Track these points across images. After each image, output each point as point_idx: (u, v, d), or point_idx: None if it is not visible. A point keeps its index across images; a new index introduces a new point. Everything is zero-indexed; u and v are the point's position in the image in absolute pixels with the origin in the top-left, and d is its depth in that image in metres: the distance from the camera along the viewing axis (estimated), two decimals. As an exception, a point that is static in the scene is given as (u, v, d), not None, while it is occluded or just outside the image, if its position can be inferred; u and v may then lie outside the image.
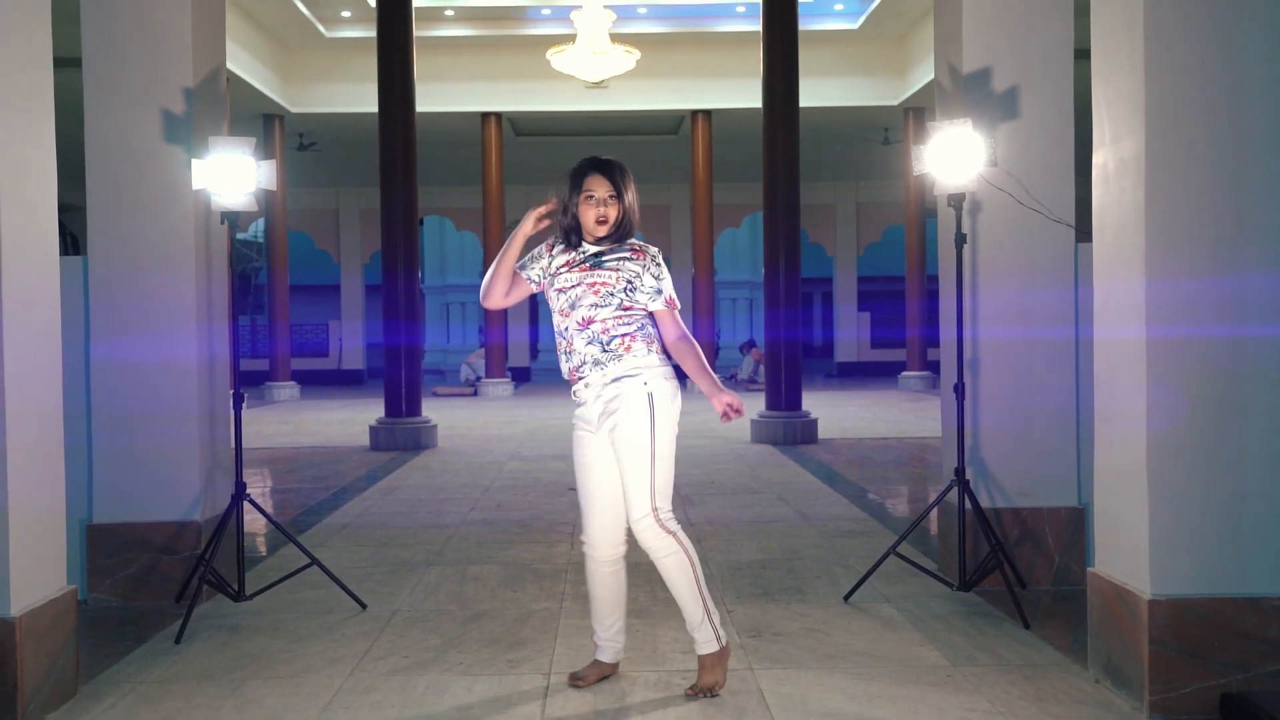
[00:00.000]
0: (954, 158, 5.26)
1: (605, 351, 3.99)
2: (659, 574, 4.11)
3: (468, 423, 15.68)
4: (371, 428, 13.08)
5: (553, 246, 4.11)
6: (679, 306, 4.15)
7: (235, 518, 5.49)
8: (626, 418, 3.96)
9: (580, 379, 4.03)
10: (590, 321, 3.99)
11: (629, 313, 4.01)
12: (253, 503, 5.55)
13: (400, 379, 12.98)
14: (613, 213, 4.00)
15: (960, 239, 5.44)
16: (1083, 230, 5.23)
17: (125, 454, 5.69)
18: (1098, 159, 4.38)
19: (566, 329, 4.03)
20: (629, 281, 4.01)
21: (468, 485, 9.69)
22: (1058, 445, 5.78)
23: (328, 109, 20.20)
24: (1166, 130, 4.00)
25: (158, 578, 5.67)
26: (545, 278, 4.11)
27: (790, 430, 12.79)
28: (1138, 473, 4.06)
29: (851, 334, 28.84)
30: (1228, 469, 4.01)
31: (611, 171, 4.03)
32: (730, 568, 6.26)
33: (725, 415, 4.03)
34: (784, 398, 13.00)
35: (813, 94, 17.08)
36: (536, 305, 33.27)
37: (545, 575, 6.16)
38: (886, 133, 22.52)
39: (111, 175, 5.73)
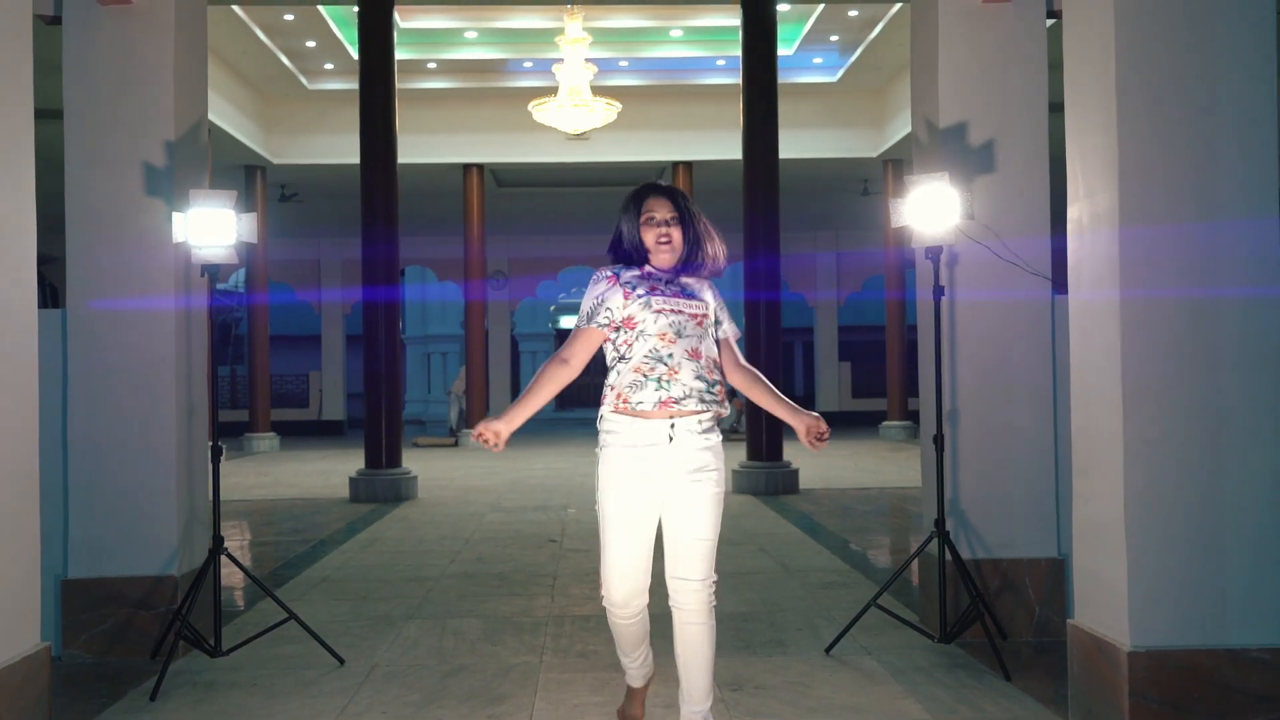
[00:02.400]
0: (931, 211, 5.31)
1: (709, 392, 3.68)
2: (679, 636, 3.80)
3: (448, 474, 15.62)
4: (351, 479, 13.00)
5: (616, 277, 3.76)
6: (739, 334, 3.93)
7: (212, 572, 5.45)
8: (715, 476, 3.70)
9: (675, 415, 3.64)
10: (699, 354, 3.67)
11: (714, 349, 3.76)
12: (230, 556, 5.52)
13: (380, 430, 12.90)
14: (676, 233, 3.74)
15: (938, 291, 5.48)
16: (1060, 282, 5.28)
17: (101, 508, 5.65)
18: (1072, 213, 4.43)
19: (671, 355, 3.63)
20: (715, 314, 3.80)
21: (448, 537, 9.64)
22: (1037, 496, 5.79)
23: (310, 160, 20.25)
24: (1139, 184, 4.05)
25: (133, 633, 5.62)
26: (621, 306, 3.71)
27: (772, 480, 12.78)
28: (1116, 525, 4.07)
29: (832, 384, 28.88)
30: (1206, 521, 4.02)
31: (674, 194, 3.80)
32: (711, 620, 6.23)
33: (814, 442, 3.75)
34: (765, 448, 12.99)
35: (793, 146, 17.22)
36: (517, 355, 33.28)
37: (525, 629, 6.12)
38: (866, 184, 22.69)
39: (91, 228, 5.73)
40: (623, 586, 3.73)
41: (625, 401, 3.65)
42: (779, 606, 6.61)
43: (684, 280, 3.78)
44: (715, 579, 3.73)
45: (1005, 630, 5.64)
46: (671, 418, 3.64)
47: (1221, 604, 4.02)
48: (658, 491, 3.67)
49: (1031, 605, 5.74)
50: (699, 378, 3.65)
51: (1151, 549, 4.02)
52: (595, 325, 3.73)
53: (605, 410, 3.73)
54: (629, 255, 3.80)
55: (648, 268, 3.78)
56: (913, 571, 6.94)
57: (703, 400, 3.65)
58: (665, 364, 3.63)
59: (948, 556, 5.47)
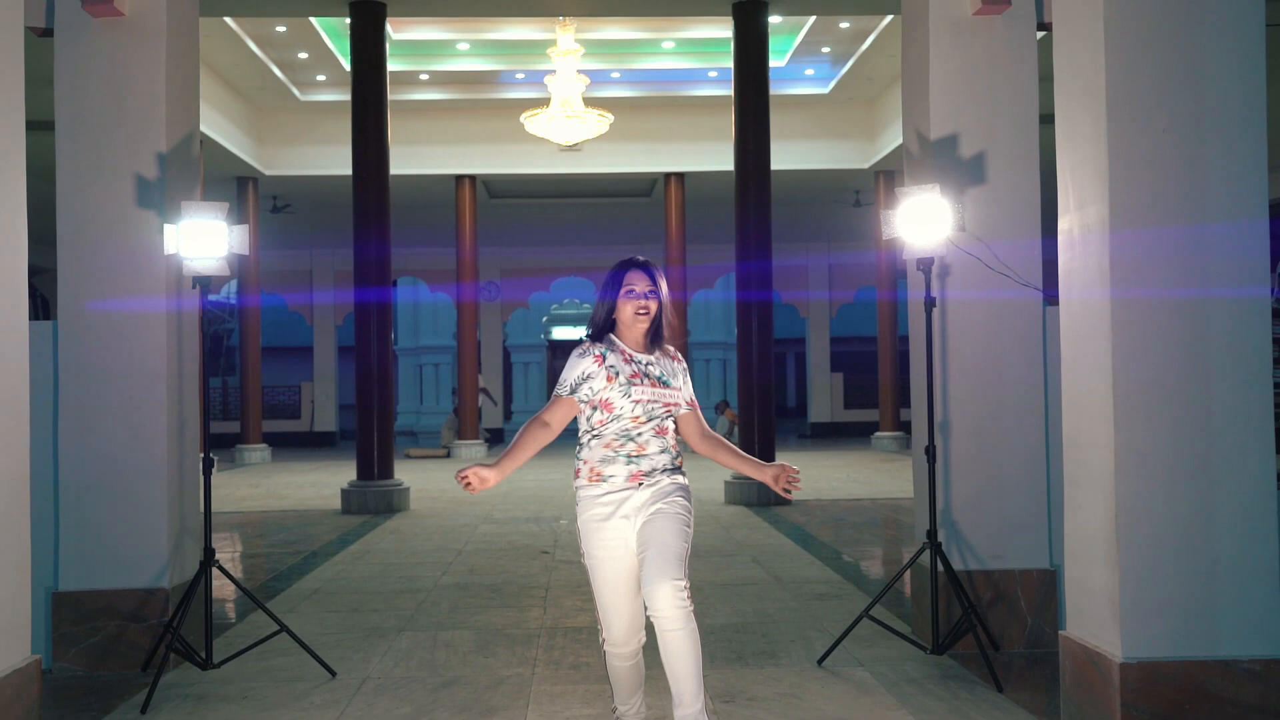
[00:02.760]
0: (923, 222, 5.32)
1: (672, 464, 4.07)
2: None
3: (440, 485, 15.60)
4: (343, 490, 12.98)
5: (603, 359, 4.06)
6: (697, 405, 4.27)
7: (204, 584, 5.44)
8: (674, 498, 4.03)
9: (643, 483, 4.02)
10: (665, 432, 4.08)
11: (673, 425, 4.13)
12: (221, 569, 5.50)
13: (372, 441, 12.88)
14: (653, 306, 4.07)
15: (930, 302, 5.49)
16: (1051, 293, 5.29)
17: (92, 520, 5.63)
18: (1063, 225, 4.44)
19: (640, 434, 4.03)
20: (681, 396, 4.15)
21: (440, 549, 9.62)
22: (1029, 507, 5.79)
23: (302, 171, 20.23)
24: (1130, 196, 4.07)
25: (124, 646, 5.60)
26: (603, 389, 4.03)
27: (764, 491, 12.76)
28: (1107, 535, 4.08)
29: (825, 394, 28.90)
30: (1198, 532, 4.03)
31: (650, 269, 4.13)
32: (704, 631, 6.21)
33: (785, 488, 4.15)
34: (758, 459, 12.95)
35: (784, 157, 17.25)
36: (510, 366, 33.26)
37: (518, 640, 6.11)
38: (858, 195, 22.72)
39: (83, 239, 5.73)
40: (620, 624, 4.00)
41: (598, 475, 4.03)
42: (771, 618, 6.60)
43: (660, 366, 4.12)
44: (686, 584, 3.88)
45: (997, 641, 5.65)
46: (643, 483, 4.02)
47: (1213, 615, 4.03)
48: (632, 528, 3.99)
49: (1023, 616, 5.75)
50: (664, 452, 4.06)
51: (1143, 560, 4.02)
52: (578, 399, 4.08)
53: (581, 481, 4.08)
54: (606, 325, 4.13)
55: (627, 350, 4.10)
56: (905, 582, 6.94)
57: (664, 471, 4.05)
58: (635, 441, 4.04)
59: (940, 567, 5.48)
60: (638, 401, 4.02)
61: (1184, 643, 4.01)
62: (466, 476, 3.90)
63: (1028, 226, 5.87)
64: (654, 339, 4.14)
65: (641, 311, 4.05)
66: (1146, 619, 4.01)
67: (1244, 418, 4.05)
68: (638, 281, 4.08)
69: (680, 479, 4.09)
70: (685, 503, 4.05)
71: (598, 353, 4.07)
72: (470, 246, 20.65)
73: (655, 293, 4.08)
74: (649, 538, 3.93)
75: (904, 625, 6.24)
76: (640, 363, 4.08)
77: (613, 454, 4.02)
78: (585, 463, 4.06)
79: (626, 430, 4.02)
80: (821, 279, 28.99)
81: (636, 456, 4.01)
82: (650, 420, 4.04)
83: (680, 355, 4.24)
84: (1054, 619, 5.70)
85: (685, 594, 3.84)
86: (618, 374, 4.03)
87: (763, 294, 13.02)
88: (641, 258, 4.16)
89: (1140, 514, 4.03)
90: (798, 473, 4.15)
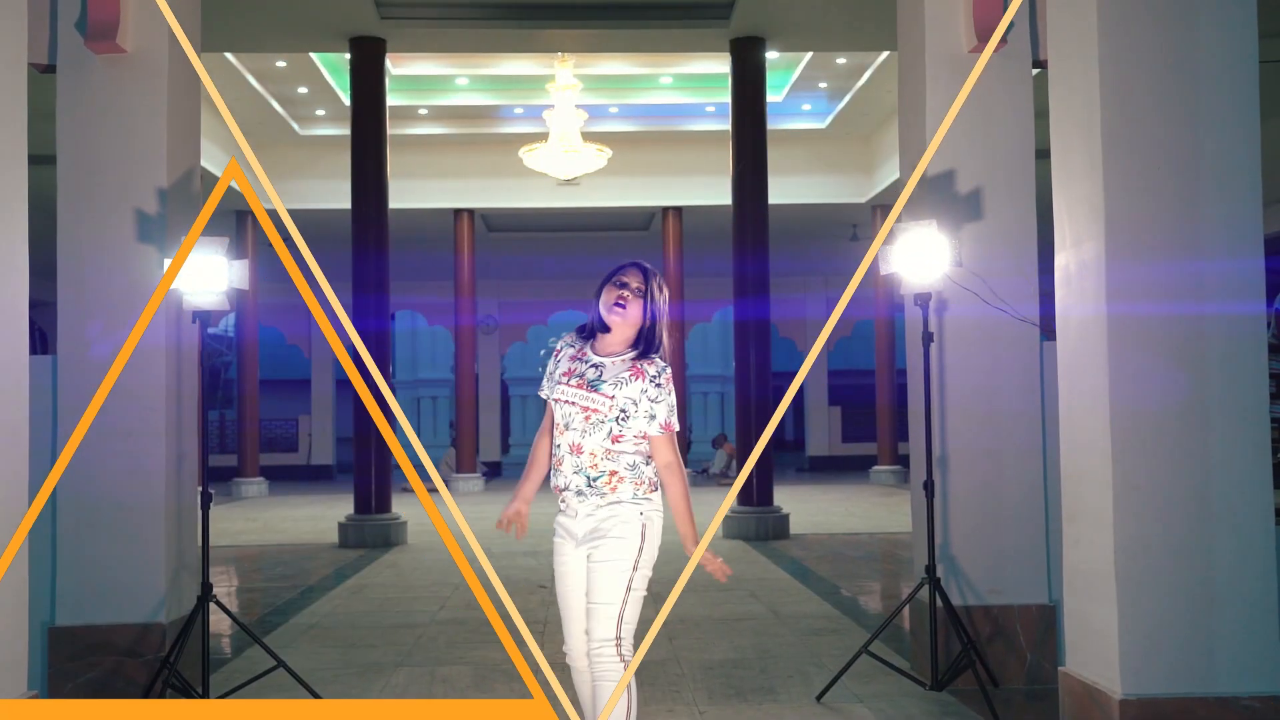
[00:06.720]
0: (920, 258, 5.34)
1: (590, 486, 3.72)
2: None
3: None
4: (340, 524, 12.93)
5: (560, 350, 3.88)
6: (676, 430, 3.78)
7: (201, 619, 5.42)
8: (612, 542, 3.70)
9: (563, 497, 3.80)
10: (580, 450, 3.72)
11: (618, 444, 3.71)
12: (218, 604, 5.48)
13: (370, 475, 12.85)
14: (634, 307, 3.77)
15: (927, 337, 5.51)
16: (1048, 328, 5.31)
17: (90, 555, 5.61)
18: (1059, 261, 4.46)
19: (560, 445, 3.77)
20: (622, 409, 3.70)
21: (438, 583, 9.59)
22: (1027, 542, 5.79)
23: (301, 205, 20.27)
24: (1126, 233, 4.09)
25: (121, 681, 5.57)
26: (546, 383, 3.86)
27: (762, 526, 12.75)
28: (1106, 571, 4.08)
29: (822, 428, 28.88)
30: (1196, 567, 4.03)
31: (645, 270, 3.88)
32: (702, 667, 6.21)
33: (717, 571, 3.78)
34: (755, 493, 12.97)
35: (782, 191, 17.29)
36: (508, 398, 33.26)
37: (516, 676, 6.08)
38: (855, 229, 22.79)
39: (83, 274, 5.74)
40: (571, 634, 3.83)
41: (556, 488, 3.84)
42: (770, 653, 6.58)
43: (608, 370, 3.75)
44: (621, 639, 3.68)
45: (997, 677, 5.63)
46: (563, 497, 3.81)
47: (1213, 652, 4.02)
48: (576, 557, 3.80)
49: (1023, 652, 5.73)
50: (577, 472, 3.72)
51: (1142, 596, 4.02)
52: (549, 400, 3.85)
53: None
54: (593, 322, 3.86)
55: (587, 349, 3.83)
56: (904, 617, 6.92)
57: (580, 493, 3.74)
58: (557, 453, 3.79)
59: (939, 603, 5.46)
60: (558, 401, 3.77)
61: (1183, 679, 4.01)
62: (512, 524, 3.79)
63: (1025, 261, 5.89)
64: (643, 347, 3.80)
65: (619, 303, 3.76)
66: (1146, 655, 4.01)
67: (1241, 452, 4.06)
68: (630, 277, 3.82)
69: (622, 509, 3.71)
70: (626, 546, 3.69)
71: (558, 346, 3.88)
72: (468, 280, 20.71)
73: (643, 291, 3.79)
74: (590, 585, 3.73)
75: (903, 661, 6.22)
76: (587, 362, 3.77)
77: (556, 460, 3.80)
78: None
79: (558, 441, 3.78)
80: (819, 312, 29.03)
81: (556, 470, 3.78)
82: (569, 430, 3.72)
83: (649, 371, 3.75)
84: (1053, 655, 5.68)
85: (618, 652, 3.65)
86: (556, 368, 3.83)
87: (760, 327, 13.05)
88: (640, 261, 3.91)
89: (1139, 549, 4.03)
90: (729, 571, 3.82)
